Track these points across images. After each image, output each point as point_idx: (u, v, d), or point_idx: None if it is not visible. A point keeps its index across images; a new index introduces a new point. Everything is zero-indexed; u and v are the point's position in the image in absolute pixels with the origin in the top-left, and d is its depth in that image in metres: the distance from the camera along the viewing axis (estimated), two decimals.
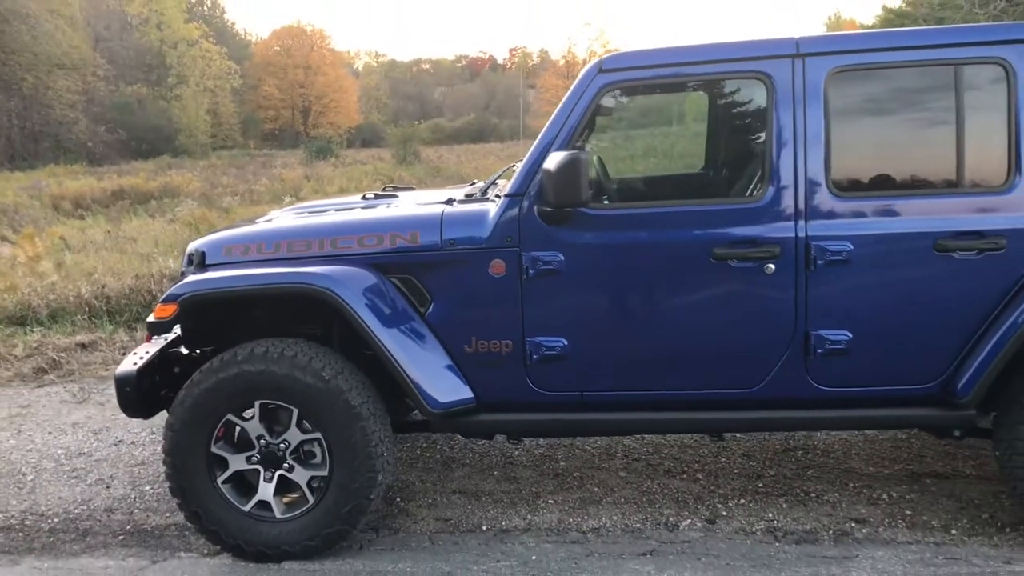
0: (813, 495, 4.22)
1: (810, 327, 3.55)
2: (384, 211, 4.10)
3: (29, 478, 4.76)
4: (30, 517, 4.29)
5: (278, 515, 3.71)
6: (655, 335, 3.64)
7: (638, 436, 4.96)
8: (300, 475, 3.70)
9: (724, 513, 4.07)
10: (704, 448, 4.84)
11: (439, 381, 3.67)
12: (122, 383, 3.79)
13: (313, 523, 3.67)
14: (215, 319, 3.91)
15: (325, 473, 3.65)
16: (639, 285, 3.63)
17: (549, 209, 3.56)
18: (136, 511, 4.31)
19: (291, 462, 3.70)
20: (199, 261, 3.92)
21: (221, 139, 66.83)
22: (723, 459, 4.69)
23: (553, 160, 3.43)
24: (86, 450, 5.14)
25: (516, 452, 4.88)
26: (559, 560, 3.67)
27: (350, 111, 79.10)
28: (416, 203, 4.15)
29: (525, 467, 4.68)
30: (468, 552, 3.77)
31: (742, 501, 4.18)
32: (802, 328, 3.56)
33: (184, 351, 4.13)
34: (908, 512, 4.02)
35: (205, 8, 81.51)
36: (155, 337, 4.21)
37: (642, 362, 3.67)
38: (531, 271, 3.63)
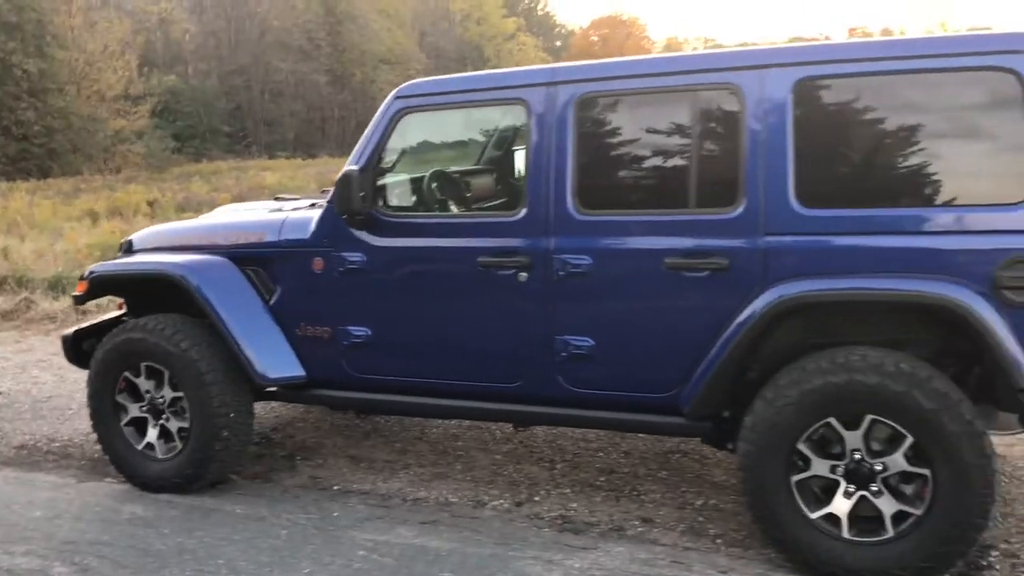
0: (636, 494, 4.43)
1: (556, 332, 3.86)
2: (259, 214, 4.87)
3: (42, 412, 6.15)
4: (31, 441, 5.57)
5: (159, 456, 4.63)
6: (434, 330, 4.11)
7: (546, 427, 5.33)
8: (174, 425, 4.58)
9: (536, 499, 4.42)
10: (596, 443, 5.12)
11: (272, 358, 4.39)
12: (63, 341, 4.90)
13: (179, 465, 4.54)
14: (148, 294, 4.88)
15: (188, 425, 4.51)
16: (421, 285, 4.13)
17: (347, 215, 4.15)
18: None
19: (168, 414, 4.59)
20: (126, 248, 4.92)
21: None
22: (600, 453, 4.97)
23: (339, 175, 4.04)
24: None
25: (433, 429, 5.46)
26: (353, 519, 4.25)
27: None
28: (291, 207, 4.86)
29: (426, 442, 5.25)
30: (295, 503, 4.46)
31: (566, 491, 4.49)
32: (549, 333, 3.87)
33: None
34: (700, 520, 4.14)
35: (526, 2, 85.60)
36: (124, 306, 5.27)
37: (427, 353, 4.16)
38: (340, 268, 4.24)
